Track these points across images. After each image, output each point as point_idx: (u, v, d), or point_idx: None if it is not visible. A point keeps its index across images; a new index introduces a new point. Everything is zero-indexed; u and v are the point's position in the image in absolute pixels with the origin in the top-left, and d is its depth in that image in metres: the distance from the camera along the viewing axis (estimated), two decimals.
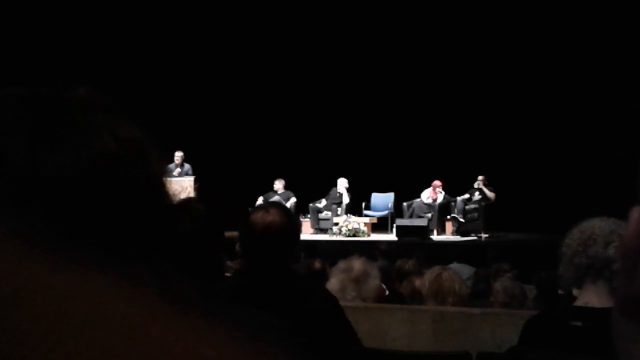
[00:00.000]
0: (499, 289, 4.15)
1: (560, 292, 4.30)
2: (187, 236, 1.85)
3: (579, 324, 1.83)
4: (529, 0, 12.48)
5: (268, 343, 0.32)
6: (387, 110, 13.86)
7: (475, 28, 12.88)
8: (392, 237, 11.47)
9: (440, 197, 12.19)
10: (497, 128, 12.75)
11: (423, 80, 13.42)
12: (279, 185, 12.58)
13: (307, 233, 12.02)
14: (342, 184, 12.58)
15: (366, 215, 12.47)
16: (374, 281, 3.41)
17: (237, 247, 2.26)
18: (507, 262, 6.04)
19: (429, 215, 11.91)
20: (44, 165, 0.40)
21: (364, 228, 11.79)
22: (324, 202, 12.61)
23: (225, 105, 13.92)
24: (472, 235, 11.58)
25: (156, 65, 13.26)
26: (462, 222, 11.88)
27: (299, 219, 11.72)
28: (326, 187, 12.70)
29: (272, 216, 2.13)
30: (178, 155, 11.95)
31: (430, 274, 3.84)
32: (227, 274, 2.74)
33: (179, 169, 11.94)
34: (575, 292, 2.10)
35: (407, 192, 12.39)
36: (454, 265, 6.26)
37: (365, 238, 11.56)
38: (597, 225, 1.93)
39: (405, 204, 12.36)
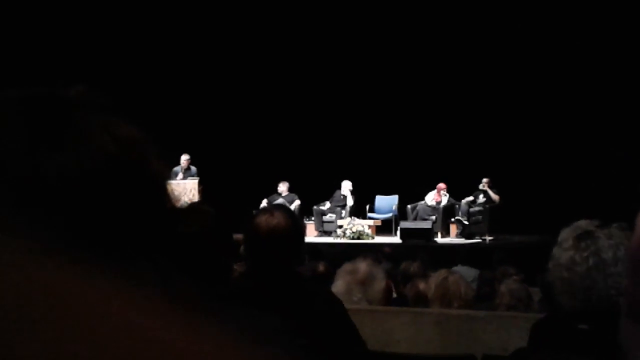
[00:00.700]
0: (505, 291, 4.14)
1: None
2: (194, 238, 1.85)
3: (585, 327, 1.82)
4: (530, 1, 12.47)
5: (272, 345, 0.32)
6: (391, 113, 13.85)
7: (478, 31, 12.87)
8: (396, 239, 11.47)
9: (444, 200, 12.18)
10: (501, 130, 12.74)
11: (427, 83, 13.42)
12: (283, 187, 12.59)
13: (311, 235, 12.02)
14: (346, 186, 12.59)
15: (370, 218, 12.47)
16: (380, 283, 3.40)
17: (242, 249, 2.26)
18: (512, 264, 6.03)
19: (433, 217, 11.90)
20: (44, 167, 0.40)
21: (368, 230, 11.79)
22: (328, 204, 12.61)
23: (230, 108, 13.94)
24: (477, 237, 11.56)
25: (162, 68, 13.29)
26: (466, 224, 11.87)
27: (303, 221, 11.73)
28: (330, 190, 12.71)
29: (277, 219, 2.14)
30: (184, 158, 11.97)
31: (436, 277, 3.83)
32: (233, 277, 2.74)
33: (185, 172, 11.96)
34: None
35: (411, 194, 12.39)
36: (458, 268, 6.25)
37: (370, 240, 11.55)
38: (603, 245, 1.88)
39: (409, 206, 12.35)
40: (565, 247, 1.91)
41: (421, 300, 4.20)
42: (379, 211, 12.81)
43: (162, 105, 12.87)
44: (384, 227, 12.45)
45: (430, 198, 12.28)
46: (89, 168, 0.42)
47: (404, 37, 13.48)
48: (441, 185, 12.25)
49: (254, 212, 2.42)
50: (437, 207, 12.14)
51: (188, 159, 12.01)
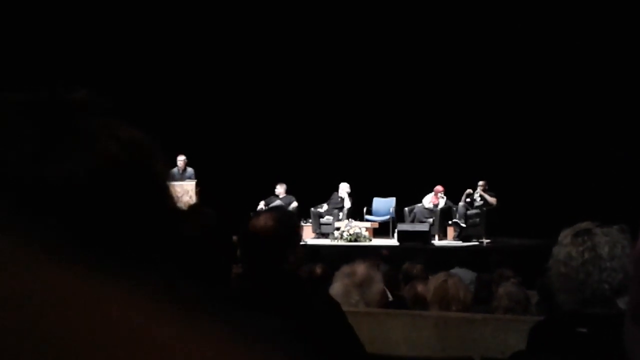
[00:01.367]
0: (503, 294, 4.14)
1: None
2: (196, 240, 1.85)
3: (584, 330, 1.82)
4: (528, 3, 12.49)
5: (271, 346, 0.32)
6: (389, 115, 13.87)
7: (474, 34, 12.89)
8: (393, 242, 11.48)
9: (441, 203, 12.20)
10: (498, 133, 12.76)
11: (425, 85, 13.44)
12: (280, 189, 12.59)
13: (309, 237, 12.03)
14: (344, 188, 12.60)
15: (368, 220, 12.48)
16: (378, 285, 3.40)
17: (239, 251, 2.28)
18: (509, 267, 6.03)
19: (431, 220, 11.92)
20: (49, 171, 0.40)
21: (365, 233, 11.80)
22: (325, 206, 12.62)
23: (228, 109, 13.94)
24: (474, 240, 11.58)
25: (159, 69, 13.29)
26: (463, 227, 11.88)
27: (299, 223, 11.71)
28: (328, 192, 12.72)
29: (263, 221, 2.16)
30: (181, 159, 11.97)
31: (435, 280, 3.83)
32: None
33: (181, 173, 11.96)
34: None
35: (408, 197, 12.40)
36: (456, 271, 6.25)
37: (367, 243, 11.56)
38: (601, 241, 1.90)
39: (406, 208, 12.37)
40: (563, 244, 1.93)
41: (420, 302, 4.21)
42: (377, 213, 12.82)
43: (159, 106, 12.86)
44: (382, 230, 12.46)
45: (428, 201, 12.30)
46: (93, 170, 0.43)
47: (401, 40, 13.50)
48: (438, 187, 12.27)
49: (251, 214, 2.43)
50: (434, 209, 12.15)
51: (185, 160, 12.01)
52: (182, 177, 11.85)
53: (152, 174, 0.47)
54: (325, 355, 1.96)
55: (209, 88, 13.91)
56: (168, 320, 0.30)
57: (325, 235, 12.26)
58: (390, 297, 5.03)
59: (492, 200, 11.94)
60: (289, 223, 2.22)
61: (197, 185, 11.52)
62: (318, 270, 5.58)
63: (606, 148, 11.52)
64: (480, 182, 12.13)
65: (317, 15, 13.47)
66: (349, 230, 11.71)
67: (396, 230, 11.67)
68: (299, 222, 2.63)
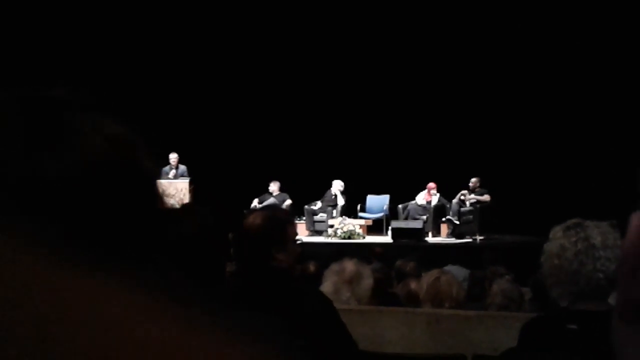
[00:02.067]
0: (497, 291, 4.15)
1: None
2: (190, 238, 1.85)
3: (574, 327, 1.83)
4: (518, 1, 12.52)
5: (267, 344, 0.32)
6: (382, 112, 13.87)
7: (467, 29, 12.90)
8: (387, 239, 11.49)
9: (434, 200, 12.20)
10: (492, 129, 12.77)
11: (418, 82, 13.44)
12: (274, 187, 12.58)
13: (303, 235, 12.02)
14: (337, 186, 12.60)
15: (361, 217, 12.48)
16: (368, 280, 3.42)
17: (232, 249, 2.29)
18: (502, 264, 6.04)
19: (424, 217, 11.93)
20: (40, 168, 0.40)
21: (359, 230, 11.80)
22: (319, 204, 12.62)
23: (221, 107, 13.91)
24: (467, 237, 11.59)
25: (151, 67, 13.25)
26: (457, 224, 11.90)
27: (293, 220, 11.70)
28: (321, 189, 12.71)
29: (252, 219, 2.17)
30: (173, 157, 11.95)
31: (428, 277, 3.84)
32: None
33: (174, 171, 11.93)
34: None
35: (402, 194, 12.40)
36: (449, 268, 6.26)
37: (361, 240, 11.57)
38: (593, 233, 1.92)
39: (400, 206, 12.38)
40: (555, 238, 1.95)
41: (413, 299, 4.21)
42: (370, 211, 12.82)
43: (152, 103, 12.83)
44: (375, 227, 12.47)
45: (421, 198, 12.31)
46: (82, 168, 0.43)
47: (393, 37, 13.49)
48: (431, 185, 12.27)
49: (244, 211, 2.44)
50: (427, 207, 12.17)
51: (177, 158, 11.99)
52: (174, 175, 11.82)
53: (139, 169, 0.47)
54: (318, 353, 1.97)
55: (203, 85, 13.88)
56: (163, 319, 0.30)
57: (319, 233, 12.26)
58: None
59: (485, 198, 11.95)
60: (277, 221, 2.22)
61: (190, 183, 11.51)
62: (312, 267, 5.58)
63: (602, 147, 11.55)
64: (473, 179, 12.14)
65: (309, 14, 13.45)
66: (342, 227, 11.71)
67: (390, 228, 11.67)
68: (293, 220, 2.63)
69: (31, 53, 11.49)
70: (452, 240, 11.63)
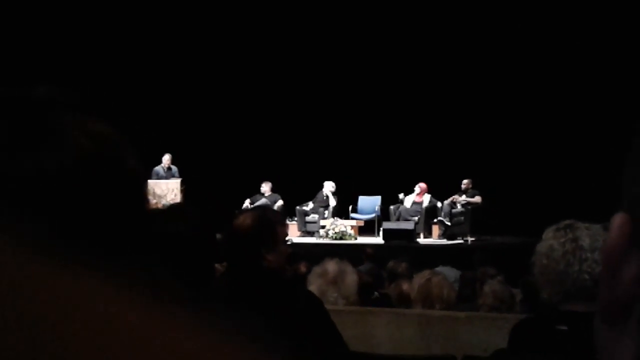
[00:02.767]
0: (488, 292, 4.16)
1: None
2: (179, 238, 1.84)
3: (564, 328, 1.84)
4: (511, 3, 12.55)
5: (253, 344, 0.31)
6: (374, 113, 13.88)
7: (458, 30, 12.93)
8: (378, 240, 11.49)
9: (425, 200, 12.18)
10: (484, 131, 12.81)
11: (410, 84, 13.46)
12: (266, 188, 12.57)
13: (294, 236, 12.02)
14: (329, 187, 12.60)
15: (353, 218, 12.48)
16: (351, 277, 3.42)
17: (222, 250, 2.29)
18: (493, 265, 6.06)
19: (416, 218, 11.94)
20: (24, 167, 0.40)
21: (350, 231, 11.81)
22: (310, 205, 12.61)
23: (213, 107, 13.89)
24: (459, 238, 11.61)
25: (144, 67, 13.21)
26: (448, 225, 11.91)
27: (284, 221, 11.69)
28: (313, 190, 12.71)
29: (241, 220, 2.17)
30: (166, 157, 11.93)
31: (420, 278, 3.84)
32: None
33: (166, 171, 11.91)
34: None
35: (394, 195, 12.41)
36: (440, 269, 6.28)
37: (352, 241, 11.57)
38: (583, 235, 1.93)
39: (392, 207, 12.38)
40: (546, 238, 1.96)
41: (405, 300, 4.22)
42: (362, 212, 12.83)
43: (145, 104, 12.80)
44: (367, 228, 12.47)
45: (411, 200, 12.26)
46: (66, 166, 0.42)
47: (385, 39, 13.51)
48: (422, 185, 12.26)
49: (236, 212, 2.44)
50: (418, 208, 12.16)
51: (169, 158, 11.97)
52: (167, 175, 11.80)
53: (124, 168, 0.46)
54: (307, 354, 1.96)
55: (196, 86, 13.86)
56: (151, 317, 0.30)
57: (310, 234, 12.26)
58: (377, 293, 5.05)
59: (476, 200, 11.96)
60: (267, 221, 2.22)
61: (182, 183, 11.49)
62: (303, 268, 5.59)
63: (591, 147, 11.59)
64: (465, 181, 12.16)
65: (301, 14, 13.45)
66: (334, 228, 11.71)
67: (381, 229, 11.68)
68: (283, 221, 2.63)
69: (23, 52, 11.44)
70: (444, 241, 11.64)
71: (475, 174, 12.20)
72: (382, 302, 4.66)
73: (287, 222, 11.93)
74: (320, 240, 11.60)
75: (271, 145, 13.89)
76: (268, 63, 13.91)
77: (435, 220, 12.19)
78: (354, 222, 12.26)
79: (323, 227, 11.92)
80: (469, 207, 11.83)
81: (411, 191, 12.32)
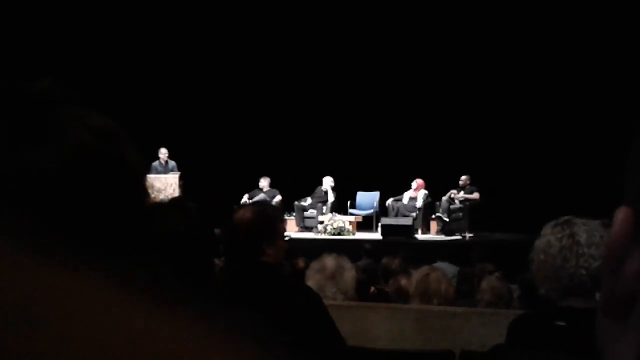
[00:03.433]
0: (487, 288, 4.17)
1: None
2: (178, 234, 1.83)
3: (562, 323, 1.84)
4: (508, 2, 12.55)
5: (254, 341, 0.31)
6: (373, 109, 13.88)
7: (456, 26, 12.92)
8: (377, 235, 11.50)
9: (420, 196, 12.15)
10: (483, 127, 12.81)
11: (409, 79, 13.45)
12: (264, 183, 12.58)
13: (292, 231, 12.03)
14: (327, 182, 12.60)
15: (351, 214, 12.49)
16: (349, 273, 3.43)
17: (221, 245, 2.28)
18: (491, 261, 6.07)
19: (414, 214, 11.95)
20: (25, 162, 0.39)
21: (349, 226, 11.81)
22: (309, 200, 12.61)
23: (212, 102, 13.88)
24: (457, 234, 11.63)
25: (141, 61, 13.19)
26: (446, 221, 11.92)
27: (282, 216, 11.72)
28: (312, 186, 12.71)
29: (241, 214, 2.17)
30: (163, 152, 11.91)
31: (418, 273, 3.85)
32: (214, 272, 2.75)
33: (164, 166, 11.90)
34: None
35: (392, 191, 12.42)
36: (438, 264, 6.28)
37: (350, 237, 11.58)
38: (580, 230, 1.93)
39: (388, 202, 12.38)
40: (544, 234, 1.96)
41: (402, 296, 4.22)
42: (360, 207, 12.84)
43: (143, 98, 12.78)
44: (365, 224, 12.48)
45: (408, 196, 12.26)
46: (67, 161, 0.42)
47: (384, 35, 13.50)
48: (420, 181, 12.26)
49: (234, 207, 2.44)
50: (415, 203, 12.16)
51: (166, 153, 11.96)
52: (164, 170, 11.79)
53: (125, 162, 0.46)
54: (305, 348, 1.97)
55: (195, 81, 13.84)
56: (150, 316, 0.30)
57: (308, 229, 12.27)
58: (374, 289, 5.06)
59: (474, 196, 11.97)
60: (267, 216, 2.22)
61: (180, 178, 11.48)
62: (301, 263, 5.60)
63: (590, 143, 11.59)
64: (463, 177, 12.16)
65: (300, 11, 13.43)
66: (332, 224, 11.72)
67: (380, 224, 11.69)
68: (282, 216, 2.63)
69: (22, 47, 11.41)
70: (442, 237, 11.65)
71: (474, 170, 12.21)
72: (379, 298, 4.67)
73: (286, 217, 11.97)
74: (319, 236, 11.61)
75: (270, 140, 13.89)
76: (267, 58, 13.89)
77: (433, 216, 12.21)
78: (352, 218, 12.27)
79: (321, 222, 11.93)
80: (467, 203, 11.84)
81: (409, 187, 12.33)
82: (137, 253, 0.42)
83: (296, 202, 12.56)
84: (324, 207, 12.39)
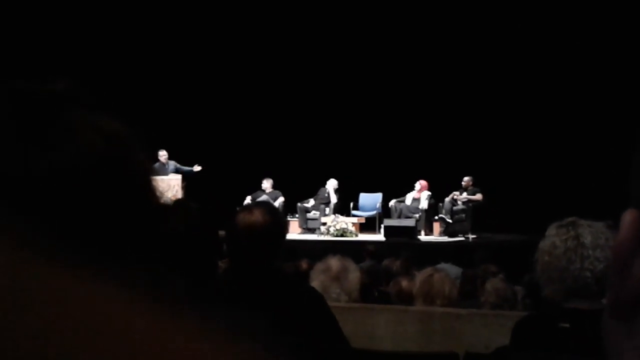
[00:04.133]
0: (491, 290, 4.16)
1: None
2: (181, 235, 1.83)
3: (567, 325, 1.84)
4: (510, 2, 12.54)
5: (257, 342, 0.32)
6: (376, 111, 13.87)
7: (458, 27, 12.91)
8: (380, 237, 11.49)
9: (425, 197, 12.14)
10: (485, 129, 12.79)
11: (411, 81, 13.45)
12: (267, 184, 12.58)
13: (295, 233, 12.03)
14: (332, 185, 12.59)
15: (354, 215, 12.48)
16: (354, 274, 3.43)
17: (225, 246, 2.27)
18: (494, 263, 6.05)
19: (417, 215, 11.93)
20: (34, 165, 0.39)
21: (352, 228, 11.80)
22: (312, 201, 12.61)
23: (214, 103, 13.89)
24: (460, 236, 11.61)
25: (143, 62, 13.20)
26: (449, 222, 11.91)
27: (286, 218, 11.73)
28: (315, 187, 12.71)
29: (255, 216, 2.15)
30: (162, 153, 11.92)
31: (422, 274, 3.84)
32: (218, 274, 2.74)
33: (164, 167, 11.90)
34: None
35: (395, 192, 12.41)
36: (441, 266, 6.27)
37: (353, 238, 11.57)
38: (585, 232, 1.93)
39: (391, 203, 12.37)
40: (549, 235, 1.96)
41: (404, 297, 4.22)
42: (363, 209, 12.83)
43: (144, 100, 12.79)
44: (368, 225, 12.47)
45: (411, 197, 12.25)
46: (77, 165, 0.42)
47: (386, 39, 13.49)
48: (423, 182, 12.25)
49: (237, 208, 2.43)
50: (418, 206, 12.14)
51: (165, 155, 11.96)
52: (165, 171, 11.80)
53: (136, 166, 0.46)
54: (309, 350, 1.97)
55: (196, 82, 13.85)
56: (153, 317, 0.30)
57: (311, 231, 12.26)
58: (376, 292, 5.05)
59: (477, 197, 11.96)
60: (281, 219, 2.22)
61: (182, 180, 11.48)
62: (304, 265, 5.60)
63: (594, 145, 11.58)
64: (466, 178, 12.15)
65: (302, 11, 13.43)
66: (335, 225, 11.71)
67: (382, 226, 11.67)
68: (285, 218, 2.63)
69: (25, 48, 11.43)
70: (445, 238, 11.63)
71: (477, 171, 12.19)
72: (382, 300, 4.66)
73: (288, 218, 11.97)
74: (322, 237, 11.60)
75: (272, 141, 13.89)
76: (270, 59, 13.90)
77: (436, 217, 12.19)
78: (355, 219, 12.26)
79: (324, 224, 11.91)
80: (470, 204, 11.83)
81: (412, 188, 12.32)
82: (139, 254, 0.42)
83: (299, 204, 12.56)
84: (327, 209, 12.38)
